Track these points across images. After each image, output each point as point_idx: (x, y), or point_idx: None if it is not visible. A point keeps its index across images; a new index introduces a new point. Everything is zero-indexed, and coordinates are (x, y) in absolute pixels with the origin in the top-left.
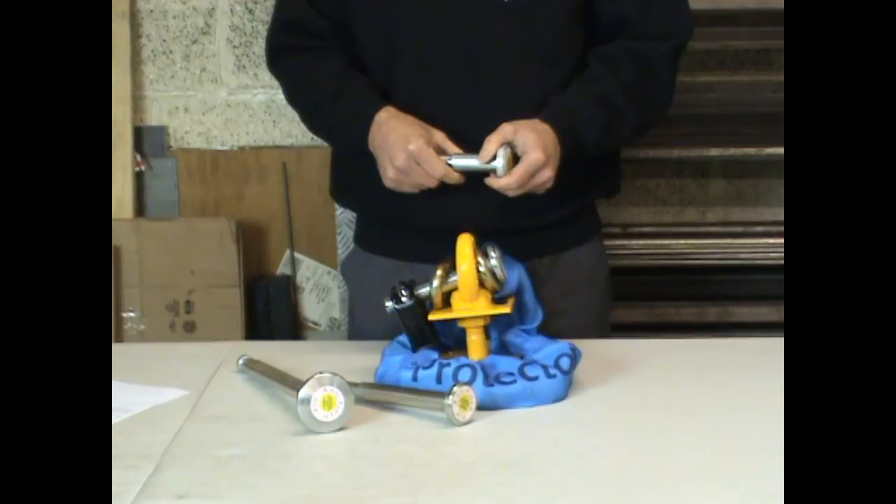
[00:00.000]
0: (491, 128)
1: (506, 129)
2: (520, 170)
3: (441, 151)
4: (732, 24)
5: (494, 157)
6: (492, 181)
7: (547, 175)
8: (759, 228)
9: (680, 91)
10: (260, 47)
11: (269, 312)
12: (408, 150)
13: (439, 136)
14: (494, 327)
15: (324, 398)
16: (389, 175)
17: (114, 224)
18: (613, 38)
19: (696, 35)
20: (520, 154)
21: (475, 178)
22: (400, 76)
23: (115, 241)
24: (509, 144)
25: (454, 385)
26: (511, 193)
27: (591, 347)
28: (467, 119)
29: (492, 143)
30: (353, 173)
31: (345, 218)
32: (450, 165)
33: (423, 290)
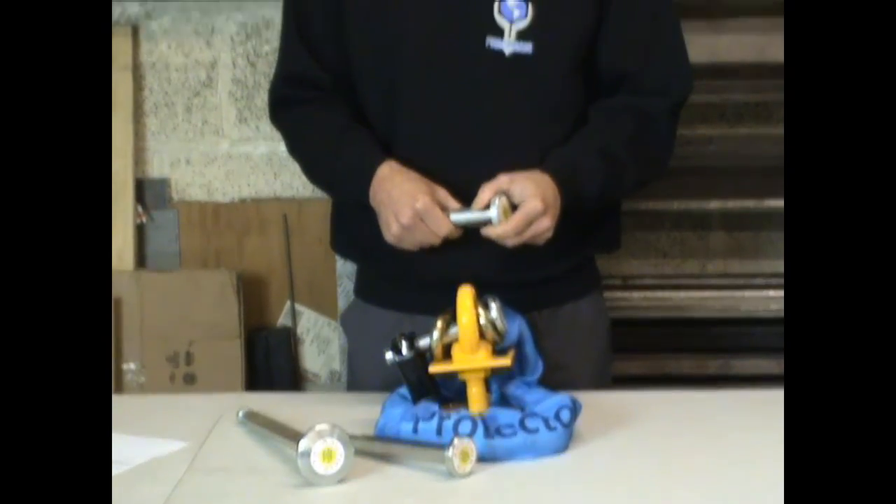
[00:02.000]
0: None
1: (501, 179)
2: (517, 217)
3: (443, 208)
4: (732, 77)
5: (489, 207)
6: (488, 231)
7: (545, 224)
8: (760, 281)
9: (680, 144)
10: (261, 100)
11: (270, 364)
12: (415, 207)
13: (442, 193)
14: (495, 379)
15: (324, 451)
16: (393, 231)
17: (115, 276)
18: (614, 93)
19: (696, 88)
20: (518, 204)
21: (476, 231)
22: (401, 129)
23: (115, 292)
24: (506, 194)
25: (454, 438)
26: (509, 243)
27: (591, 400)
28: (468, 172)
29: (485, 192)
30: (354, 225)
31: (345, 270)
32: (458, 223)
33: (424, 342)
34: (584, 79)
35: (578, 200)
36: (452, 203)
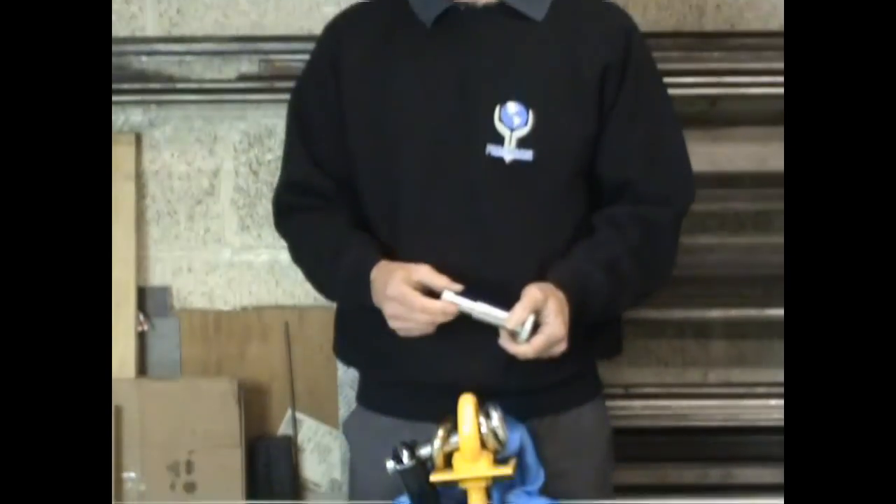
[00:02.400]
0: (492, 286)
1: (537, 298)
2: (540, 341)
3: (427, 289)
4: (733, 186)
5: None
6: (508, 344)
7: (562, 348)
8: (761, 390)
9: (681, 252)
10: (264, 208)
11: (270, 473)
12: (387, 296)
13: (423, 272)
14: (496, 488)
15: None
16: (392, 326)
17: (115, 384)
18: (616, 200)
19: (697, 197)
20: (539, 321)
21: (476, 337)
22: (402, 235)
23: (116, 400)
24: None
25: None
26: (522, 358)
27: None
28: (469, 278)
29: (524, 311)
30: (357, 331)
31: (347, 378)
32: (461, 307)
33: (425, 451)
34: (586, 185)
35: (583, 315)
36: (439, 279)
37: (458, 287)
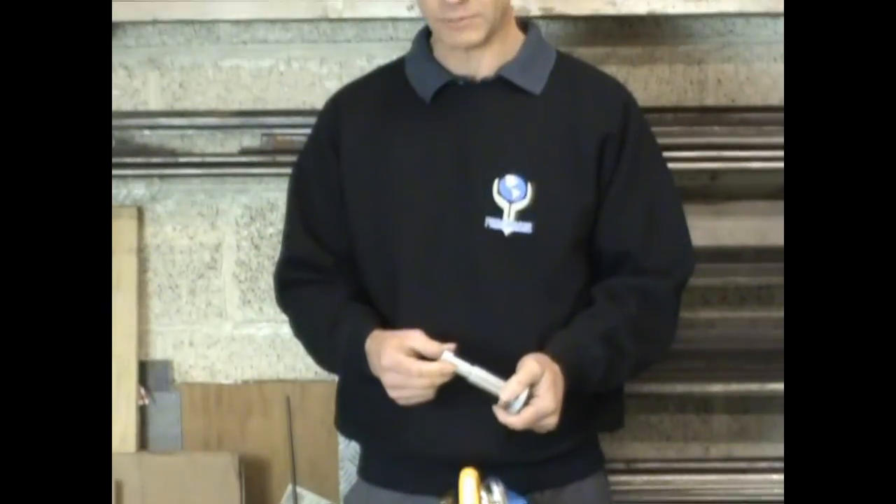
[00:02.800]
0: (492, 355)
1: (534, 372)
2: (529, 414)
3: (421, 355)
4: (734, 260)
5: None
6: (499, 412)
7: (552, 421)
8: (763, 464)
9: (682, 327)
10: (265, 282)
11: None
12: (383, 366)
13: (416, 339)
14: None
15: None
16: (392, 395)
17: (116, 458)
18: (615, 272)
19: (699, 271)
20: (532, 393)
21: (476, 409)
22: (403, 306)
23: (117, 475)
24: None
25: None
26: (512, 428)
27: None
28: (469, 348)
29: (519, 385)
30: (357, 404)
31: (348, 452)
32: (458, 369)
33: None
34: (585, 257)
35: (581, 387)
36: (432, 345)
37: (453, 346)
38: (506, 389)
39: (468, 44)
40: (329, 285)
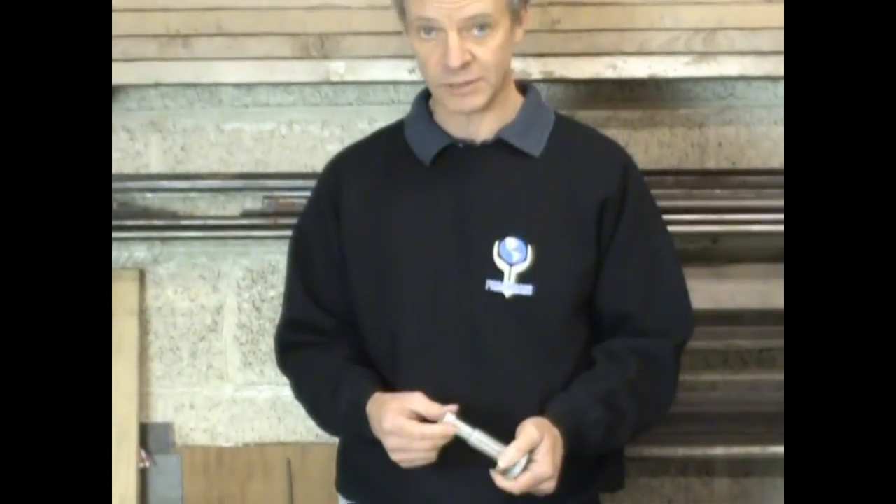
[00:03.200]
0: (492, 417)
1: (533, 438)
2: (527, 479)
3: (422, 417)
4: (735, 323)
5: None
6: (497, 477)
7: (550, 486)
8: None
9: (684, 389)
10: (266, 344)
11: None
12: (384, 430)
13: (417, 401)
14: None
15: None
16: (394, 458)
17: None
18: (615, 333)
19: (700, 334)
20: (531, 457)
21: (476, 470)
22: (403, 368)
23: None
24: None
25: None
26: (509, 492)
27: None
28: (469, 410)
29: (518, 452)
30: (358, 466)
31: None
32: (459, 431)
33: None
34: (585, 318)
35: (580, 449)
36: (433, 407)
37: (454, 408)
38: (504, 456)
39: (471, 109)
40: (330, 347)
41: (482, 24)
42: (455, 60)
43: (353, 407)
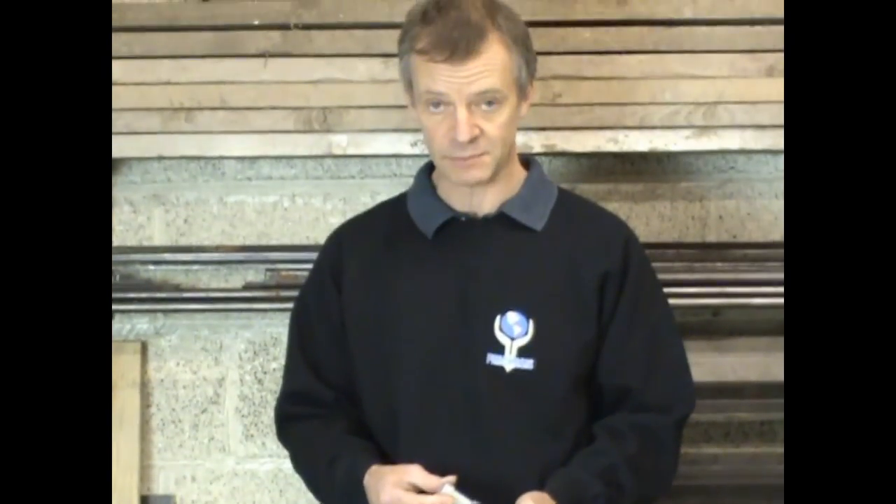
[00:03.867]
0: (491, 491)
1: None
2: None
3: (420, 490)
4: (736, 396)
5: None
6: None
7: None
8: None
9: (685, 462)
10: (268, 416)
11: None
12: (383, 503)
13: (414, 473)
14: None
15: None
16: None
17: None
18: (616, 408)
19: (701, 407)
20: None
21: None
22: (403, 440)
23: None
24: None
25: None
26: None
27: None
28: (469, 483)
29: None
30: None
31: None
32: (457, 502)
33: None
34: (586, 393)
35: None
36: (431, 479)
37: (453, 478)
38: None
39: (475, 181)
40: (329, 420)
41: (491, 100)
42: (464, 135)
43: (350, 479)
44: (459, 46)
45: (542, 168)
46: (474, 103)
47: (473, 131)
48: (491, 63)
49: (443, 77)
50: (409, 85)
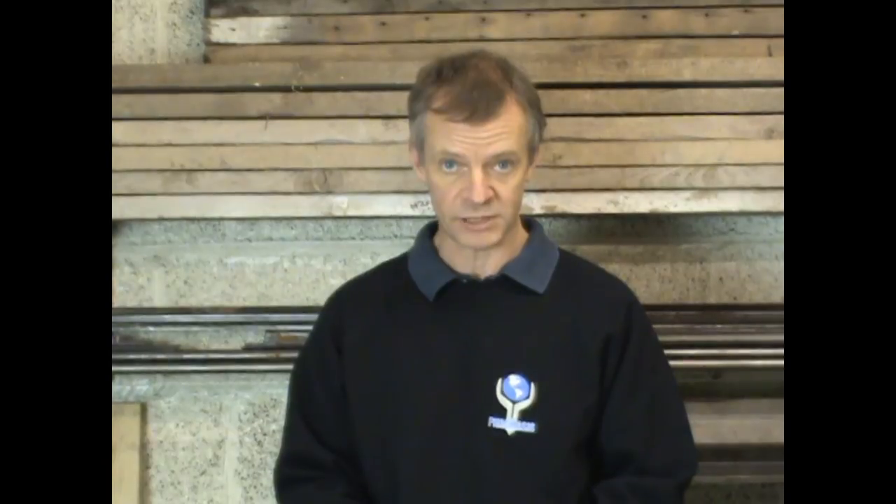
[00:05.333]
0: None
1: None
2: None
3: None
4: (737, 458)
5: None
6: None
7: None
8: None
9: None
10: (268, 479)
11: None
12: None
13: None
14: None
15: None
16: None
17: None
18: (617, 472)
19: (702, 470)
20: None
21: None
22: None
23: None
24: None
25: None
26: None
27: None
28: None
29: None
30: None
31: None
32: None
33: None
34: (588, 456)
35: None
36: None
37: None
38: None
39: (486, 245)
40: (328, 483)
41: (505, 161)
42: (480, 196)
43: None
44: (479, 107)
45: (543, 230)
46: (489, 165)
47: (488, 193)
48: (509, 125)
49: (460, 137)
50: (421, 144)
